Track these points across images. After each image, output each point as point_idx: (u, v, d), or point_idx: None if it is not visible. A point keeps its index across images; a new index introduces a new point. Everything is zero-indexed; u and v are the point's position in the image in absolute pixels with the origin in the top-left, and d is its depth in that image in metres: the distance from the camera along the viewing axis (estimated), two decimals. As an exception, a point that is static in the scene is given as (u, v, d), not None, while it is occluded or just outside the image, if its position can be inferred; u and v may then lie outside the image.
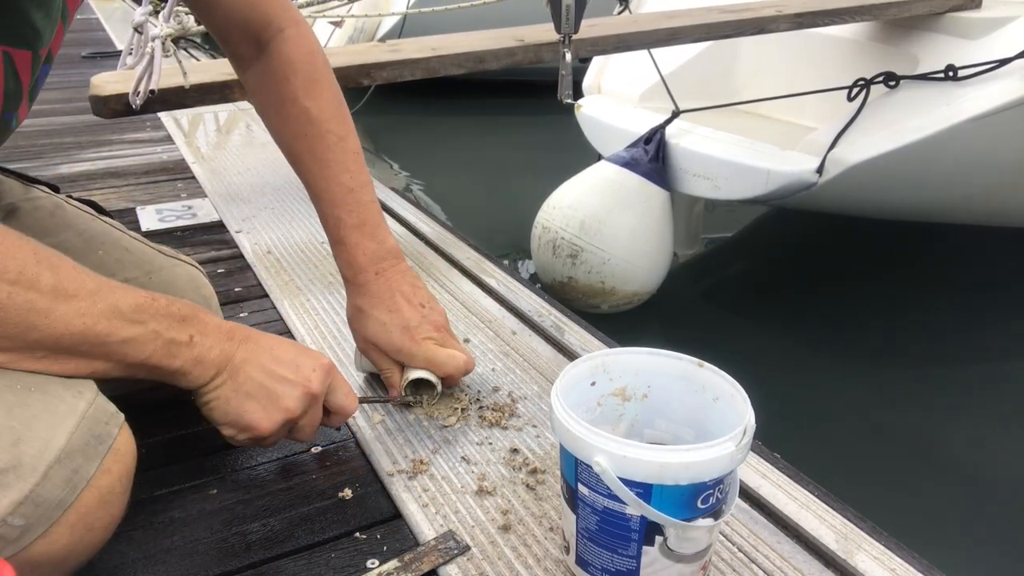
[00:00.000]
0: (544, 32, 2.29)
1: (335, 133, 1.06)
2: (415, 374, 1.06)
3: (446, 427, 1.06)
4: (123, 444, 0.76)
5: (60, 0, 0.84)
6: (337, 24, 5.47)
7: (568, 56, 2.04)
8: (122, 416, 0.77)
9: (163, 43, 1.76)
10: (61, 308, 0.71)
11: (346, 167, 1.06)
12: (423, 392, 1.10)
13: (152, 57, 1.73)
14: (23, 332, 0.70)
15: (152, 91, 1.77)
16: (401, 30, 5.17)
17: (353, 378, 1.18)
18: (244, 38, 1.07)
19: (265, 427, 0.87)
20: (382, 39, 6.02)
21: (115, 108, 1.84)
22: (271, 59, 1.06)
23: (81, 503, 0.70)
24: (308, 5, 2.67)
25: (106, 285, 0.76)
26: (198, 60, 4.82)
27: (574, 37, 2.10)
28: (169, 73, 1.81)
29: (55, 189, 1.12)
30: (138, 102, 1.79)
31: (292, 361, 0.89)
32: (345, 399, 0.94)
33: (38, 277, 0.70)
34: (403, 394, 1.08)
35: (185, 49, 5.02)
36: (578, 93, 3.70)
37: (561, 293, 2.97)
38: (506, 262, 1.60)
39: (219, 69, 1.95)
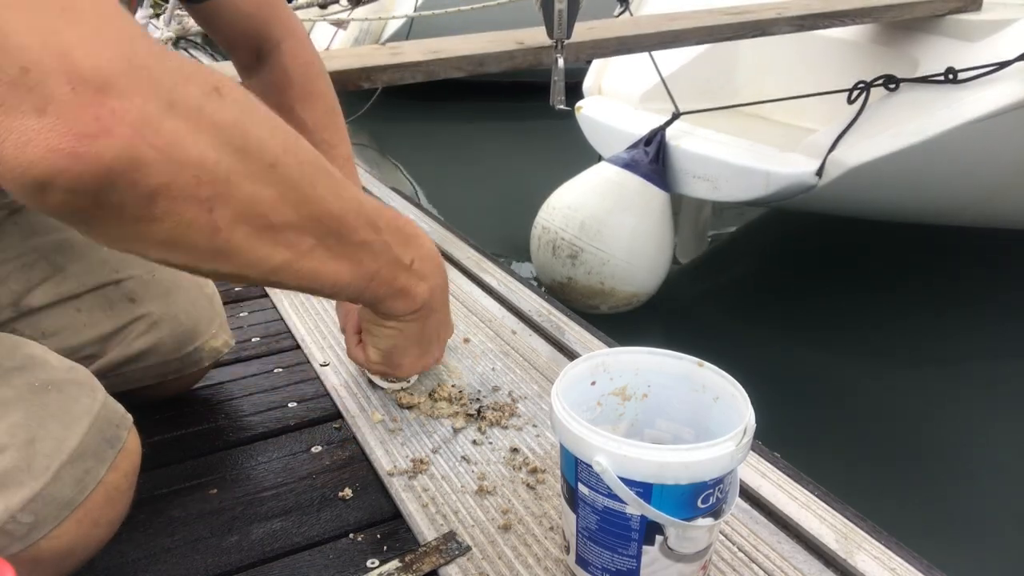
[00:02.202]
0: (544, 35, 2.29)
1: (328, 142, 1.09)
2: None
3: (446, 427, 1.06)
4: (131, 443, 0.76)
5: None
6: (341, 26, 5.46)
7: (561, 61, 2.04)
8: (131, 418, 0.78)
9: (166, 46, 1.77)
10: (330, 186, 0.68)
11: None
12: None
13: None
14: (304, 201, 0.66)
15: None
16: (408, 33, 5.16)
17: (360, 381, 1.18)
18: (247, 48, 1.09)
19: (406, 373, 0.99)
20: (388, 42, 6.00)
21: None
22: (271, 71, 1.08)
23: (89, 501, 0.71)
24: (309, 7, 2.67)
25: (346, 180, 0.73)
26: (200, 62, 4.81)
27: (568, 41, 2.10)
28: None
29: None
30: None
31: (449, 321, 0.98)
32: None
33: (313, 161, 0.67)
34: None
35: (185, 50, 5.02)
36: (578, 94, 3.70)
37: (560, 294, 2.97)
38: (505, 261, 1.60)
39: (220, 71, 1.94)
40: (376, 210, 0.76)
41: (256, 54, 1.09)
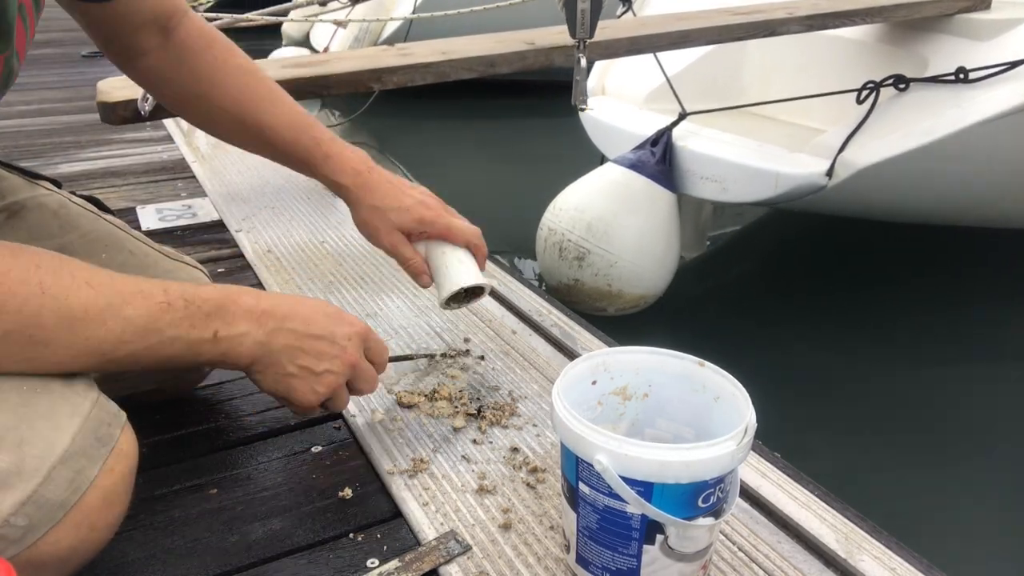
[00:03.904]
0: (554, 35, 2.29)
1: (269, 77, 1.12)
2: (455, 285, 1.08)
3: (446, 426, 1.05)
4: (126, 444, 0.76)
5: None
6: (340, 24, 5.47)
7: (583, 61, 2.03)
8: (124, 416, 0.77)
9: None
10: (64, 337, 0.72)
11: (293, 100, 1.13)
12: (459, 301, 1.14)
13: None
14: (26, 361, 0.71)
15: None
16: (408, 31, 5.18)
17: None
18: (153, 29, 1.07)
19: (311, 401, 0.90)
20: (388, 39, 6.02)
21: (124, 115, 1.83)
22: (186, 38, 1.08)
23: (84, 503, 0.70)
24: (309, 4, 2.67)
25: (118, 298, 0.75)
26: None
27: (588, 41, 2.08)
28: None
29: (57, 185, 1.12)
30: (147, 108, 1.79)
31: (328, 334, 0.89)
32: (377, 357, 0.96)
33: (40, 311, 0.70)
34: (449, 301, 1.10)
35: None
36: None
37: (567, 296, 2.96)
38: (508, 262, 1.59)
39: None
40: (152, 317, 0.77)
41: (163, 31, 1.08)
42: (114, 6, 1.01)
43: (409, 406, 1.09)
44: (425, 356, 1.22)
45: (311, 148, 1.11)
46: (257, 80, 1.11)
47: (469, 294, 1.13)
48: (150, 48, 1.09)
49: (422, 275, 1.12)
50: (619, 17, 3.53)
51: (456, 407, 1.08)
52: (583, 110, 2.07)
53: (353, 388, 0.94)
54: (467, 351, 1.25)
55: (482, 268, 1.12)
